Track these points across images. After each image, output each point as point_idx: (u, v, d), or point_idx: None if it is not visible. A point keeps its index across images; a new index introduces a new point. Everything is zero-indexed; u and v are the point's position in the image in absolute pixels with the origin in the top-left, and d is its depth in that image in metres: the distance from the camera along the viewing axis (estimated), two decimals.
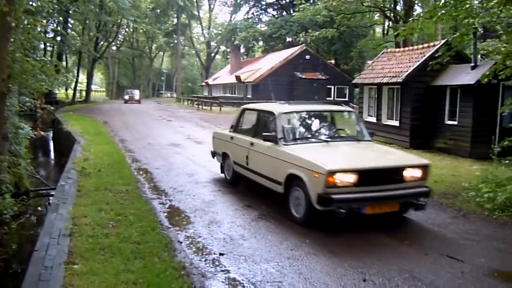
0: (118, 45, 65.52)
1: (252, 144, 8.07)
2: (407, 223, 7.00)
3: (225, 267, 5.15)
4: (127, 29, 62.70)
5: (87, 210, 6.94)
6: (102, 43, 50.36)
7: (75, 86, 48.56)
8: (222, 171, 9.80)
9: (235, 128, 9.24)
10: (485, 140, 11.95)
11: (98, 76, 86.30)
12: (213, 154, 10.19)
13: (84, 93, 53.94)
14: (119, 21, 47.66)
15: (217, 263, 5.26)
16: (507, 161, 8.86)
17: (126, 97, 50.07)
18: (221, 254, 5.51)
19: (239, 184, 9.20)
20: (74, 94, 48.59)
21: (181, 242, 5.88)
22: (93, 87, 66.99)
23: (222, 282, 4.80)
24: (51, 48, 37.54)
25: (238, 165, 8.74)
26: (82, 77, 61.63)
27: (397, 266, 5.23)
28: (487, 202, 7.87)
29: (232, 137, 9.06)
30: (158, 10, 63.11)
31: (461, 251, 5.77)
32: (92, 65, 50.23)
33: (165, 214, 7.23)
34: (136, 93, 51.56)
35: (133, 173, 10.33)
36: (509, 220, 7.20)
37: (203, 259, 5.37)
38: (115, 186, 8.67)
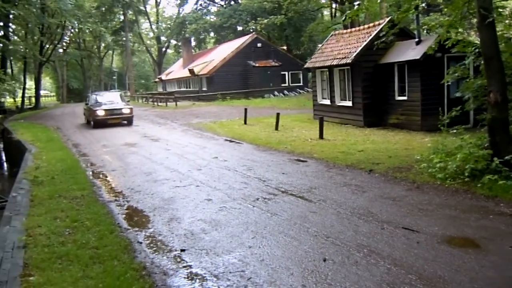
0: (65, 47, 63.42)
1: None
2: (363, 199, 7.16)
3: (186, 262, 5.12)
4: (72, 30, 60.64)
5: (41, 220, 6.72)
6: (47, 46, 48.60)
7: (23, 93, 46.77)
8: None
9: None
10: (434, 113, 12.33)
11: (47, 81, 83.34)
12: None
13: (33, 100, 51.90)
14: (63, 22, 45.92)
15: (178, 260, 5.21)
16: (455, 131, 9.17)
17: (100, 112, 20.91)
18: (182, 250, 5.47)
19: None
20: (23, 101, 46.72)
21: (140, 243, 5.79)
22: (42, 92, 64.76)
23: (185, 278, 4.77)
24: None
25: None
26: (30, 83, 59.45)
27: (356, 243, 5.35)
28: (439, 172, 8.16)
29: None
30: (103, 8, 61.27)
31: (416, 222, 5.96)
32: (39, 69, 48.39)
33: (123, 216, 7.09)
34: (116, 99, 23.03)
35: (88, 177, 10.07)
36: (460, 187, 7.48)
37: (164, 257, 5.31)
38: (70, 192, 8.43)
